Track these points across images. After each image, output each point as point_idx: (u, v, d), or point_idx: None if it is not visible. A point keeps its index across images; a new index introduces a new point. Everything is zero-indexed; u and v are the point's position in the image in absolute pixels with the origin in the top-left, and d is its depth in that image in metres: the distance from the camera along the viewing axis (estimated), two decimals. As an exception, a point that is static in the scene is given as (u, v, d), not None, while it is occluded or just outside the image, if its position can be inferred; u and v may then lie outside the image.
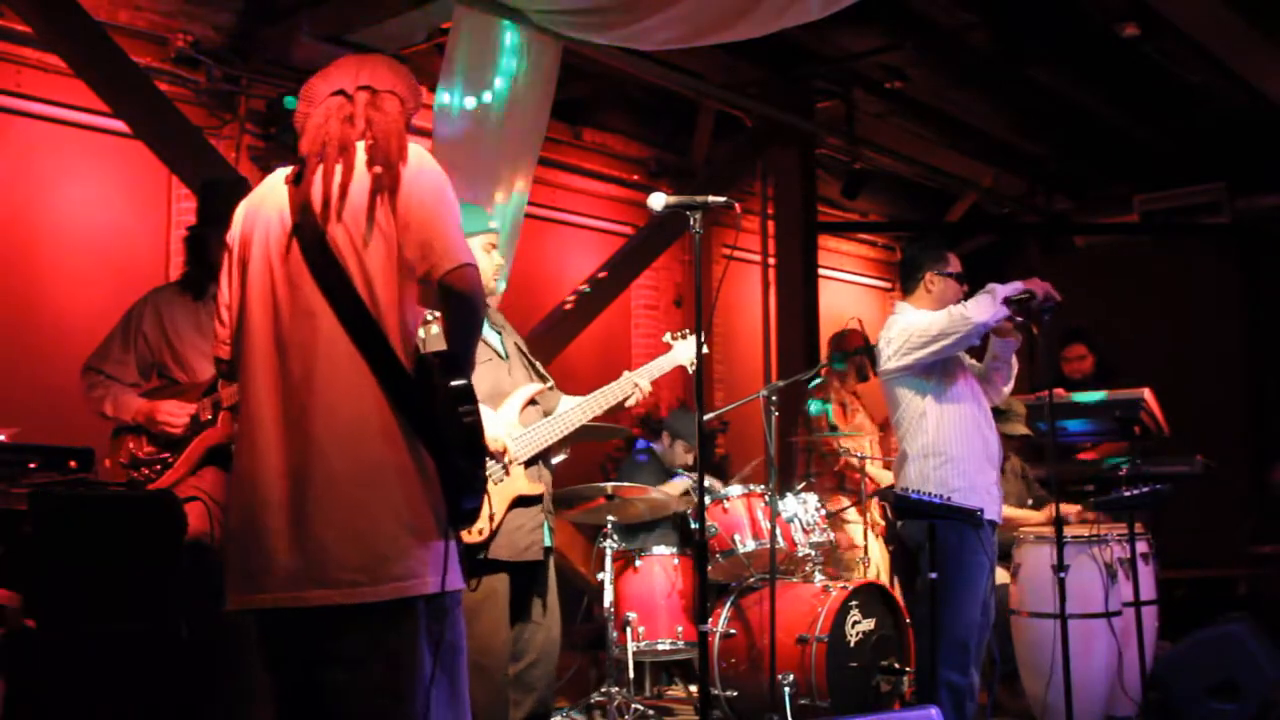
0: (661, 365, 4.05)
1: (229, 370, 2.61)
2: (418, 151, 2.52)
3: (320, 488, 2.29)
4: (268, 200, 2.55)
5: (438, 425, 2.36)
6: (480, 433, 2.43)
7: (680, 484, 5.68)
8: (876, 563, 5.93)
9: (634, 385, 3.93)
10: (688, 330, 4.12)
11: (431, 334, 3.49)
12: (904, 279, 4.57)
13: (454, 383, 2.36)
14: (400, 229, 2.42)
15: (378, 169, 2.44)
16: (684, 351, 4.08)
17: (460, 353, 2.43)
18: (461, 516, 2.45)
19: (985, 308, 4.18)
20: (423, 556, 2.32)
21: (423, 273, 2.41)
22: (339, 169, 2.45)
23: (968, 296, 4.36)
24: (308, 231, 2.43)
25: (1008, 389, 4.57)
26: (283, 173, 2.59)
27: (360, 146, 2.48)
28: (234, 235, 2.59)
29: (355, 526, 2.28)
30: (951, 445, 4.29)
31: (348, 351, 2.35)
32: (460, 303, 2.40)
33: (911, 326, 4.28)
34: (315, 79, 2.61)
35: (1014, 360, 4.52)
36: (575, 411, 3.82)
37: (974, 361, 4.58)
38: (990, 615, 4.39)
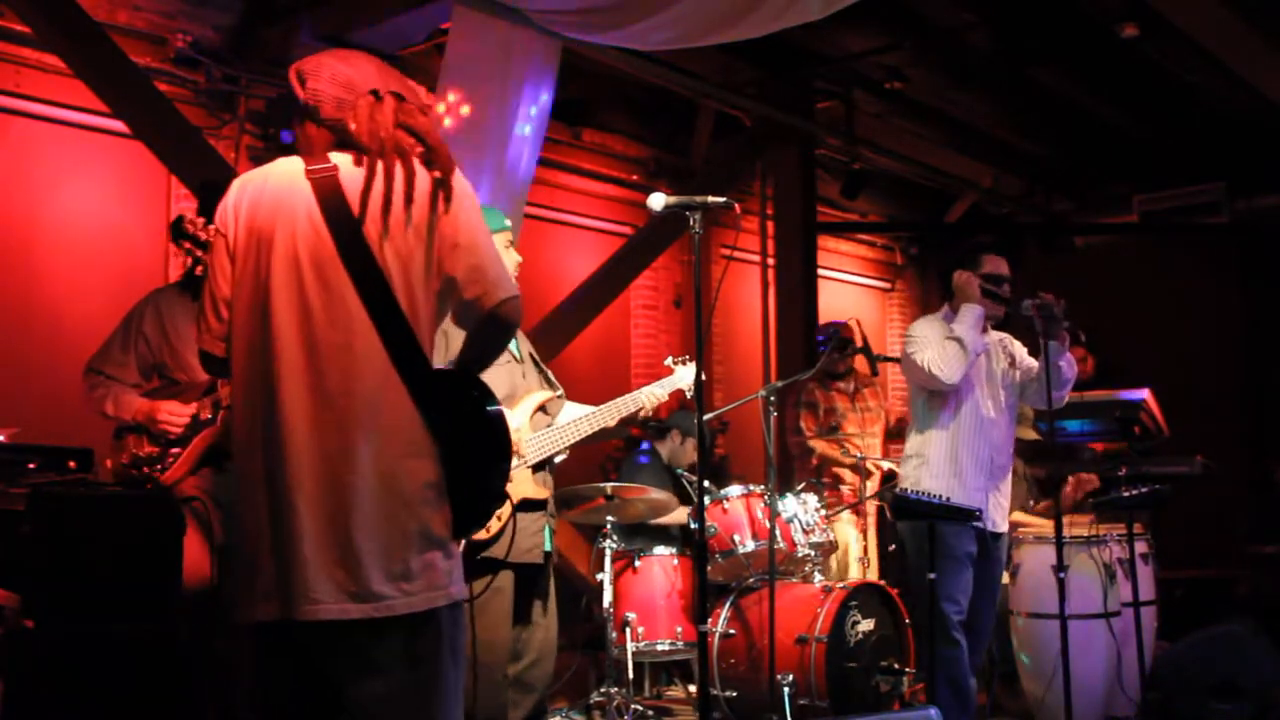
0: (666, 387, 4.26)
1: (220, 367, 2.45)
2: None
3: (361, 500, 2.25)
4: (287, 193, 2.37)
5: (464, 438, 2.36)
6: (509, 445, 2.46)
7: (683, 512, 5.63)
8: (837, 559, 5.89)
9: (644, 401, 4.13)
10: (688, 356, 4.37)
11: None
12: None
13: (490, 407, 2.40)
14: (447, 246, 2.37)
15: (437, 174, 2.37)
16: (684, 376, 4.32)
17: (477, 371, 2.46)
18: (471, 526, 2.48)
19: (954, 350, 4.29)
20: (446, 566, 2.34)
21: (472, 296, 2.37)
22: (399, 174, 2.35)
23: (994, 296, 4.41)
24: (350, 235, 2.32)
25: (1059, 394, 4.47)
26: (294, 163, 2.42)
27: (413, 154, 2.39)
28: (236, 226, 2.39)
29: (392, 539, 2.27)
30: (929, 448, 4.40)
31: (384, 362, 2.30)
32: (503, 332, 2.44)
33: (911, 355, 4.38)
34: (331, 60, 2.45)
35: (1064, 366, 4.45)
36: (585, 421, 3.94)
37: (1032, 362, 4.56)
38: (987, 617, 4.40)
